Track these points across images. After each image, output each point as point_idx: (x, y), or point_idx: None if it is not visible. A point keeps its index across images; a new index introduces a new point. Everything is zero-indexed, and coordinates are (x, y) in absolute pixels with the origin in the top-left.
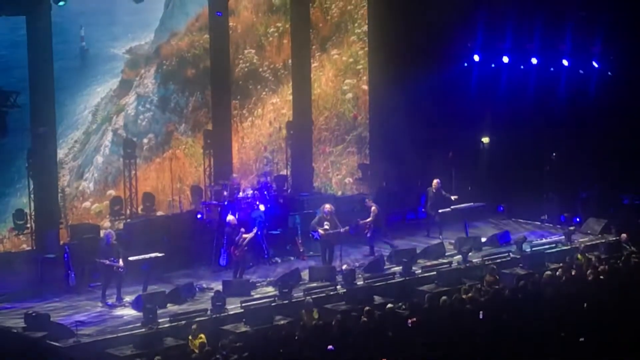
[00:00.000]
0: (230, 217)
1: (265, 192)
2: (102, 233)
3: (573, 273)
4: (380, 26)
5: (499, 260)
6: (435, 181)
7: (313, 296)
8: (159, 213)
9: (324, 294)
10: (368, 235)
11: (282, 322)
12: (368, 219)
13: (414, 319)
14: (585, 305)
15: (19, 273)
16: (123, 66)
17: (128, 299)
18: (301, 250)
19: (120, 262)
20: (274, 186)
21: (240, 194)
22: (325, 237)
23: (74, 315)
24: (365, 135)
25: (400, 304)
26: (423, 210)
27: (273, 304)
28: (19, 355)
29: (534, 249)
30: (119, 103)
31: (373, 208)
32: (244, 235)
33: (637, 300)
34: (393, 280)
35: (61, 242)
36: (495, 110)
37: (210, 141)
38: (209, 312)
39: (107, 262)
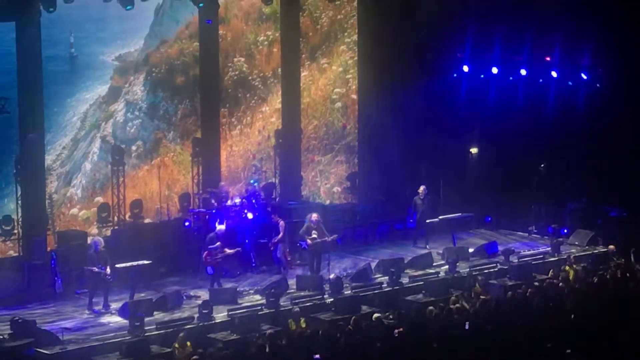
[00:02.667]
0: (220, 227)
1: (254, 201)
2: (89, 240)
3: (560, 284)
4: (370, 36)
5: (486, 271)
6: (421, 188)
7: (300, 305)
8: (147, 220)
9: (311, 303)
10: (275, 251)
11: (269, 330)
12: (280, 236)
13: (401, 329)
14: (572, 316)
15: (5, 279)
16: (112, 73)
17: (115, 306)
18: (289, 259)
19: (108, 270)
20: (262, 194)
21: (229, 202)
22: (313, 246)
23: (61, 322)
24: (354, 144)
25: (387, 313)
26: (411, 220)
27: (260, 313)
28: None
29: (521, 260)
30: (108, 110)
31: (281, 223)
32: (227, 250)
33: (623, 312)
34: (380, 290)
35: (48, 249)
36: (484, 120)
37: (199, 149)
38: (196, 320)
39: (95, 269)
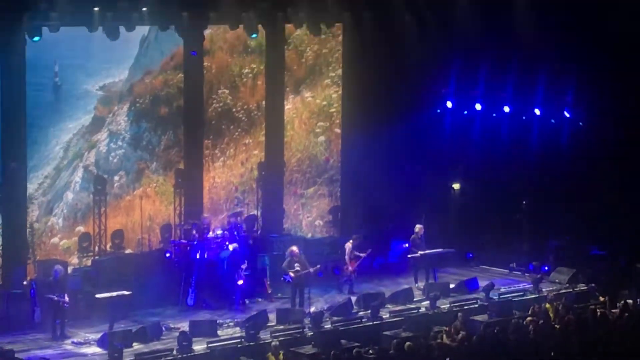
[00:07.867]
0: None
1: (235, 233)
2: (69, 269)
3: (540, 322)
4: (354, 70)
5: (466, 307)
6: (418, 226)
7: (280, 338)
8: (128, 251)
9: (291, 337)
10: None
11: None
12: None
13: None
14: (552, 354)
15: None
16: (96, 103)
17: (94, 336)
18: (269, 291)
19: (66, 298)
20: (244, 226)
21: (210, 234)
22: (297, 278)
23: (39, 351)
24: (337, 178)
25: (367, 348)
26: (409, 255)
27: (239, 345)
28: None
29: (502, 296)
30: (91, 140)
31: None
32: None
33: (603, 350)
34: (360, 325)
35: (28, 278)
36: (467, 156)
37: (181, 180)
38: (175, 352)
39: (55, 297)
